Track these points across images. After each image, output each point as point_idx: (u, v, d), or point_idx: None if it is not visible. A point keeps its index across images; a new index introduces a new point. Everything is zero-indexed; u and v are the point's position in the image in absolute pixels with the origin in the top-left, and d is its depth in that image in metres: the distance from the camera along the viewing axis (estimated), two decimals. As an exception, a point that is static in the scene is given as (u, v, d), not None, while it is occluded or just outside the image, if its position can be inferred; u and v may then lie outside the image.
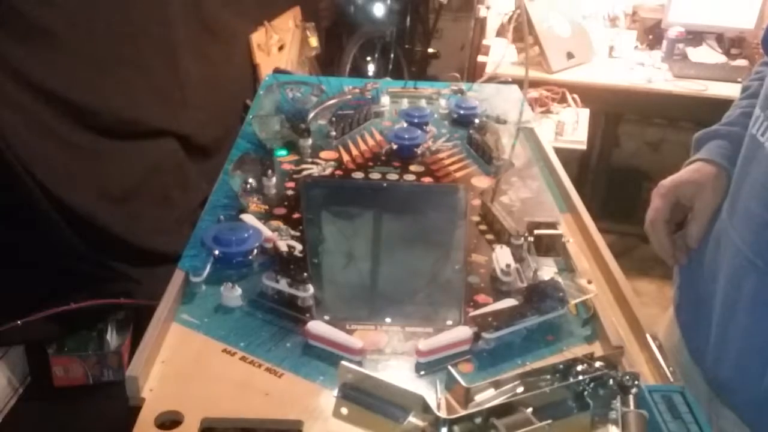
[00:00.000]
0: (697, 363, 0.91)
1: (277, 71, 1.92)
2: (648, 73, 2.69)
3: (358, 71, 3.46)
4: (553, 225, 1.13)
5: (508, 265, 1.02)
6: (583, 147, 2.36)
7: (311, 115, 1.47)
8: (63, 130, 1.69)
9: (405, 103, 1.62)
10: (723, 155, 0.91)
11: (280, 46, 2.98)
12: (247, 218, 1.12)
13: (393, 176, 1.31)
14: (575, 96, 2.48)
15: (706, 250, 0.90)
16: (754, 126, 0.81)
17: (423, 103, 1.64)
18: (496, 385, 0.80)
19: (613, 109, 2.93)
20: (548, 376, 0.81)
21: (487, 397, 0.79)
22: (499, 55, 2.42)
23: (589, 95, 2.52)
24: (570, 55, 2.61)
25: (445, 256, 1.14)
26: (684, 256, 0.95)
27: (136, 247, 1.85)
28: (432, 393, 0.81)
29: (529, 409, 0.76)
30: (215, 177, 1.28)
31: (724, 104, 1.04)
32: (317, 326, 0.88)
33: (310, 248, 1.07)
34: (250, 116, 1.49)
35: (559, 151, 1.45)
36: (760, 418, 0.82)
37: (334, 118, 1.48)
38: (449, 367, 0.83)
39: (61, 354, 1.82)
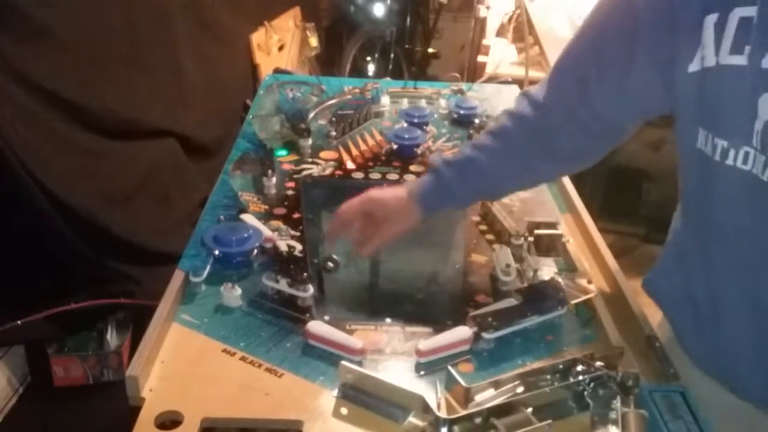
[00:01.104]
0: (723, 385, 0.89)
1: (277, 71, 1.92)
2: (648, 73, 2.68)
3: (358, 71, 3.46)
4: (553, 225, 1.13)
5: (508, 265, 1.02)
6: (583, 147, 2.35)
7: (311, 115, 1.47)
8: (63, 130, 1.69)
9: (405, 103, 1.62)
10: (429, 194, 0.96)
11: (280, 46, 2.98)
12: (247, 218, 1.12)
13: (393, 176, 1.31)
14: (575, 96, 2.47)
15: (698, 294, 0.86)
16: (746, 163, 0.73)
17: (423, 103, 1.64)
18: (496, 385, 0.80)
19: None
20: (548, 376, 0.81)
21: (487, 397, 0.79)
22: (499, 55, 2.42)
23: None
24: (570, 55, 2.61)
25: (445, 256, 1.14)
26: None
27: (136, 247, 1.85)
28: (432, 393, 0.81)
29: (529, 409, 0.76)
30: (215, 177, 1.28)
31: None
32: (317, 326, 0.88)
33: (310, 248, 1.07)
34: (250, 116, 1.49)
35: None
36: None
37: (334, 118, 1.48)
38: (449, 367, 0.83)
39: (61, 354, 1.82)
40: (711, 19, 0.73)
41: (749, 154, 0.73)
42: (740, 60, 0.71)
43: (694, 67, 0.76)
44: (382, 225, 0.98)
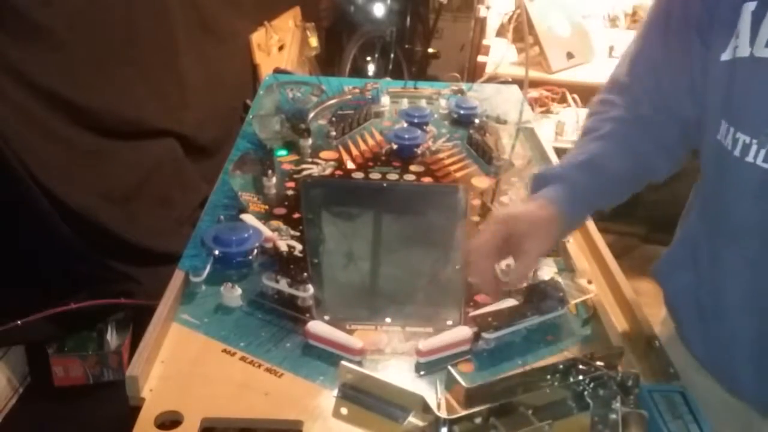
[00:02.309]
0: (719, 382, 0.89)
1: (277, 71, 1.92)
2: (648, 73, 2.67)
3: (358, 71, 3.46)
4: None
5: (508, 265, 1.02)
6: (583, 147, 2.35)
7: (311, 115, 1.47)
8: (63, 130, 1.69)
9: (405, 103, 1.62)
10: (568, 201, 0.85)
11: (280, 46, 2.98)
12: (247, 218, 1.12)
13: (393, 176, 1.31)
14: (575, 96, 2.47)
15: (702, 291, 0.86)
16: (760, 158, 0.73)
17: (423, 103, 1.64)
18: (496, 385, 0.80)
19: (613, 109, 2.92)
20: (548, 376, 0.81)
21: (487, 397, 0.79)
22: (499, 55, 2.42)
23: (589, 95, 2.50)
24: (570, 55, 2.61)
25: (445, 256, 1.14)
26: (501, 293, 0.87)
27: (136, 247, 1.85)
28: (432, 393, 0.81)
29: (529, 410, 0.76)
30: (215, 177, 1.28)
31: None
32: (317, 326, 0.88)
33: (310, 248, 1.07)
34: (250, 116, 1.49)
35: (559, 151, 1.45)
36: None
37: (334, 118, 1.48)
38: (449, 367, 0.83)
39: (61, 354, 1.82)
40: (749, 7, 0.70)
41: None
42: None
43: (726, 56, 0.73)
44: (523, 243, 0.83)
